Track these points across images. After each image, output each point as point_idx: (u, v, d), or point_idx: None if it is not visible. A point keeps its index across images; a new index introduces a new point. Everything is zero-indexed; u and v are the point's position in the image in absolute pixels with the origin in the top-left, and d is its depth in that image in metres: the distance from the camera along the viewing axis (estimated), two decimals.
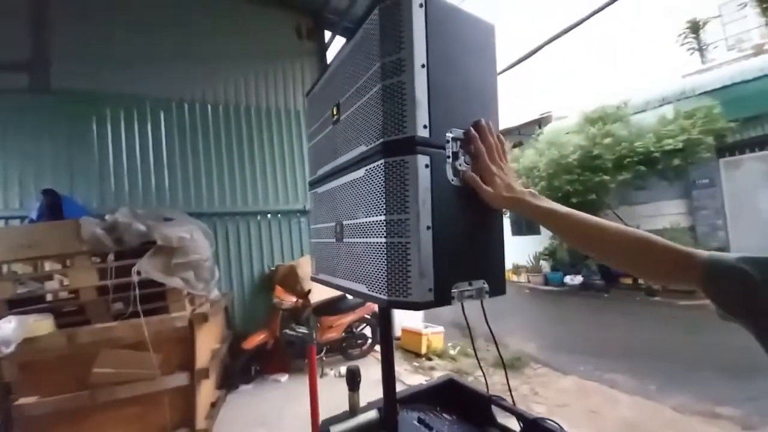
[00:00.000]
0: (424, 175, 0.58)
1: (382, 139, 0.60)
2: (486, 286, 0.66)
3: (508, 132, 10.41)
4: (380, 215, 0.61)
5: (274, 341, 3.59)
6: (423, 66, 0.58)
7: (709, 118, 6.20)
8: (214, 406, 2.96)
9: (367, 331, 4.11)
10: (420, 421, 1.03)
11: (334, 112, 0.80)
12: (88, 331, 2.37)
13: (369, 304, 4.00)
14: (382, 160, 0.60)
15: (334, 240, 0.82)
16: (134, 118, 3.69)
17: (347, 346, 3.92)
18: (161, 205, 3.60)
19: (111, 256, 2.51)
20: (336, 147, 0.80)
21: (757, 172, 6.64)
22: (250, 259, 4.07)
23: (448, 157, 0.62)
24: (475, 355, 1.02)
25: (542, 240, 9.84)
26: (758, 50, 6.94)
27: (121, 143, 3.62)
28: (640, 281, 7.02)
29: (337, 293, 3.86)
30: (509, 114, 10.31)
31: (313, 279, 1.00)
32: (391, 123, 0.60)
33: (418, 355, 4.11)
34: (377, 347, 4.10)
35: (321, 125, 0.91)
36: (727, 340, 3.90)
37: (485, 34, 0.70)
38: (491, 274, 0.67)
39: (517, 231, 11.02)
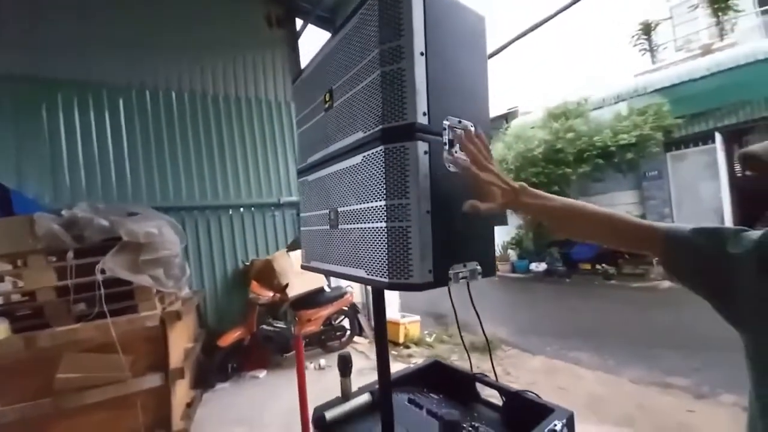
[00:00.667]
0: (423, 162, 0.60)
1: (381, 126, 0.62)
2: (479, 267, 0.70)
3: None
4: (380, 201, 0.63)
5: (251, 337, 3.51)
6: (422, 54, 0.60)
7: (659, 115, 6.73)
8: (190, 406, 2.87)
9: (346, 323, 4.12)
10: (410, 401, 1.08)
11: (327, 99, 0.81)
12: (48, 335, 2.20)
13: (347, 296, 4.02)
14: (382, 147, 0.62)
15: (327, 227, 0.83)
16: (89, 105, 3.41)
17: (326, 339, 3.92)
18: (124, 200, 3.38)
19: (70, 254, 2.34)
20: (328, 134, 0.80)
21: (699, 164, 7.29)
22: (222, 255, 3.93)
23: (445, 144, 0.65)
24: (460, 335, 1.07)
25: (509, 230, 10.26)
26: (706, 50, 7.54)
27: (76, 133, 3.34)
28: (597, 266, 7.56)
29: (314, 287, 3.85)
30: None
31: (304, 267, 1.00)
32: (390, 109, 0.61)
33: (396, 344, 4.19)
34: (356, 338, 4.14)
35: (311, 112, 0.91)
36: (675, 318, 4.37)
37: (477, 24, 0.73)
38: (483, 256, 0.71)
39: None
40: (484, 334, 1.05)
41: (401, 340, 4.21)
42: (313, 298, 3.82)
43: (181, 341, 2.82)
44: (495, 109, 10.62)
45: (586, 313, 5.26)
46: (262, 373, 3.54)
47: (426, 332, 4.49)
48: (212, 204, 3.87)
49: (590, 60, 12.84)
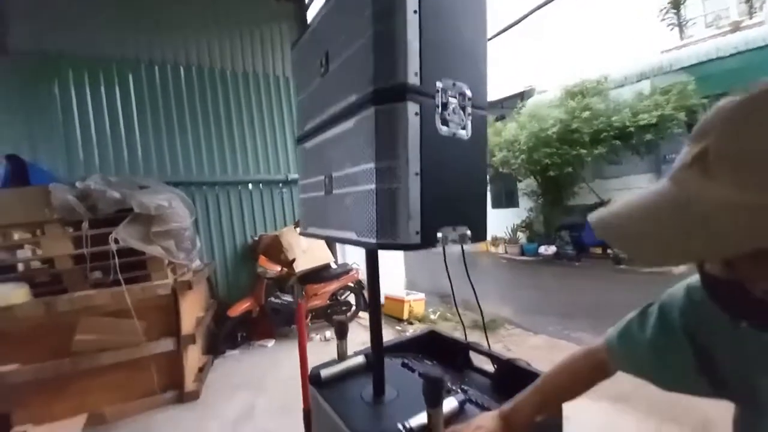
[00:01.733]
0: (413, 123, 0.60)
1: (372, 87, 0.61)
2: (468, 232, 0.70)
3: (491, 105, 10.40)
4: (370, 163, 0.63)
5: (259, 309, 3.64)
6: (415, 12, 0.59)
7: (683, 94, 6.40)
8: (202, 370, 3.02)
9: (351, 299, 4.22)
10: (404, 365, 1.11)
11: (322, 63, 0.80)
12: (67, 300, 2.33)
13: (353, 272, 4.09)
14: (373, 108, 0.62)
15: (323, 193, 0.84)
16: (100, 81, 3.44)
17: (332, 313, 4.03)
18: (135, 174, 3.45)
19: (85, 224, 2.42)
20: (325, 99, 0.80)
21: None
22: (231, 230, 4.01)
23: (437, 106, 0.64)
24: (454, 302, 1.09)
25: (520, 213, 10.15)
26: (735, 27, 7.10)
27: (88, 108, 3.38)
28: (608, 251, 7.46)
29: (321, 263, 3.93)
30: (493, 87, 10.26)
31: (303, 234, 1.02)
32: (381, 70, 0.60)
33: (400, 320, 4.28)
34: (361, 314, 4.23)
35: (308, 78, 0.90)
36: None
37: None
38: (474, 220, 0.71)
39: (497, 204, 11.29)
40: (477, 303, 1.06)
41: (405, 316, 4.29)
42: (320, 274, 3.90)
43: (192, 310, 2.94)
44: (510, 88, 10.28)
45: (592, 295, 5.25)
46: (270, 343, 3.68)
47: (430, 310, 4.56)
48: (221, 180, 3.93)
49: (615, 35, 12.19)
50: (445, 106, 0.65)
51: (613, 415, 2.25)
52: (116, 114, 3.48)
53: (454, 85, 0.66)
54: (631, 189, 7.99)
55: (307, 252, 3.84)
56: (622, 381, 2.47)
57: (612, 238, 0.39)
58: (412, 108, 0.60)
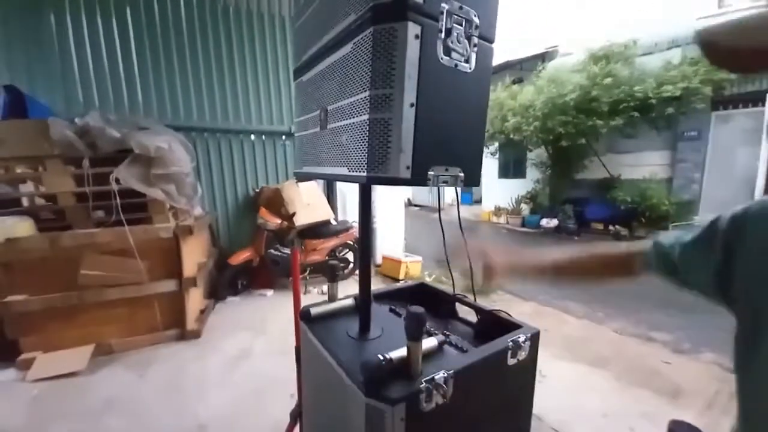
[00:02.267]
0: (413, 47, 0.56)
1: (372, 2, 0.56)
2: (462, 174, 0.68)
3: (508, 66, 9.85)
4: (365, 91, 0.60)
5: (259, 259, 3.73)
6: None
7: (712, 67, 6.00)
8: (204, 312, 3.16)
9: (350, 256, 4.30)
10: (391, 310, 1.15)
11: None
12: (71, 236, 2.38)
13: (352, 230, 4.13)
14: (371, 28, 0.57)
15: (318, 129, 0.81)
16: (96, 12, 3.25)
17: (339, 269, 4.12)
18: (135, 115, 3.38)
19: (86, 162, 2.42)
20: (323, 21, 0.74)
21: (743, 127, 6.68)
22: (233, 180, 4.00)
23: (440, 31, 0.59)
24: (446, 256, 1.10)
25: (526, 184, 10.02)
26: None
27: (85, 43, 3.24)
28: (610, 227, 7.44)
29: (321, 219, 3.96)
30: (512, 46, 9.65)
31: (297, 174, 1.00)
32: None
33: (396, 279, 4.39)
34: (359, 271, 4.34)
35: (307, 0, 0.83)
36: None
37: None
38: (468, 163, 0.69)
39: (504, 173, 11.11)
40: (468, 256, 1.07)
41: (401, 276, 4.40)
42: (320, 229, 3.94)
43: (194, 254, 3.02)
44: (532, 47, 9.66)
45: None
46: (269, 292, 3.81)
47: (426, 272, 4.66)
48: (223, 127, 3.84)
49: None
50: (449, 32, 0.60)
51: (588, 376, 2.36)
52: (114, 50, 3.34)
53: (461, 8, 0.60)
54: (644, 166, 7.78)
55: (308, 207, 3.85)
56: (601, 345, 2.55)
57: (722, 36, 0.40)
58: (413, 29, 0.55)
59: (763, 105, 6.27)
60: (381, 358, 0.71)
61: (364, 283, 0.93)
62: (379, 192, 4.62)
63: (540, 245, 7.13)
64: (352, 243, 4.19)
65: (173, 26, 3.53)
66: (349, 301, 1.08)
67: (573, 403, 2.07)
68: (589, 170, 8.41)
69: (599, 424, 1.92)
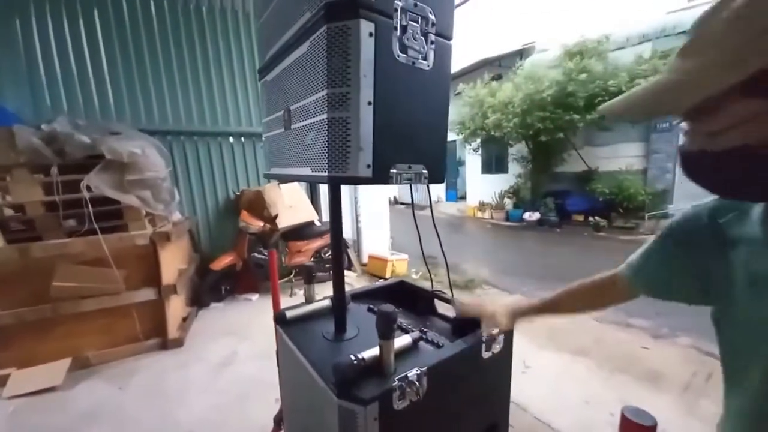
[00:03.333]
0: (367, 45, 0.55)
1: (325, 0, 0.56)
2: (425, 171, 0.69)
3: (487, 62, 9.96)
4: (322, 90, 0.59)
5: (242, 263, 3.67)
6: None
7: None
8: (186, 320, 3.09)
9: None
10: (369, 309, 1.15)
11: None
12: (42, 246, 2.29)
13: None
14: (325, 27, 0.57)
15: (282, 129, 0.80)
16: (62, 14, 3.13)
17: (315, 270, 4.09)
18: (107, 120, 3.27)
19: (54, 169, 2.32)
20: (282, 19, 0.73)
21: None
22: (213, 183, 3.92)
23: (395, 28, 0.59)
24: (421, 249, 1.10)
25: (508, 179, 10.18)
26: None
27: (51, 46, 3.10)
28: (590, 218, 7.63)
29: (304, 220, 3.92)
30: (490, 42, 9.77)
31: (266, 176, 0.99)
32: None
33: (382, 278, 4.40)
34: (345, 272, 4.32)
35: None
36: None
37: None
38: (431, 160, 0.69)
39: (487, 169, 11.26)
40: (443, 254, 1.08)
41: (388, 275, 4.40)
42: (304, 231, 3.91)
43: (173, 261, 2.94)
44: (509, 44, 9.80)
45: (569, 260, 5.45)
46: (254, 296, 3.76)
47: (413, 270, 4.68)
48: (200, 130, 3.75)
49: None
50: (404, 29, 0.60)
51: (571, 365, 2.42)
52: (82, 53, 3.21)
53: (415, 5, 0.60)
54: (620, 158, 8.02)
55: (291, 209, 3.81)
56: (582, 335, 2.61)
57: (616, 108, 0.47)
58: (366, 27, 0.55)
59: None
60: (353, 358, 0.71)
61: (338, 282, 0.93)
62: (363, 191, 4.61)
63: (524, 239, 7.27)
64: None
65: (144, 27, 3.42)
66: (326, 303, 1.08)
67: (556, 392, 2.12)
68: (568, 163, 8.62)
69: (581, 411, 1.97)
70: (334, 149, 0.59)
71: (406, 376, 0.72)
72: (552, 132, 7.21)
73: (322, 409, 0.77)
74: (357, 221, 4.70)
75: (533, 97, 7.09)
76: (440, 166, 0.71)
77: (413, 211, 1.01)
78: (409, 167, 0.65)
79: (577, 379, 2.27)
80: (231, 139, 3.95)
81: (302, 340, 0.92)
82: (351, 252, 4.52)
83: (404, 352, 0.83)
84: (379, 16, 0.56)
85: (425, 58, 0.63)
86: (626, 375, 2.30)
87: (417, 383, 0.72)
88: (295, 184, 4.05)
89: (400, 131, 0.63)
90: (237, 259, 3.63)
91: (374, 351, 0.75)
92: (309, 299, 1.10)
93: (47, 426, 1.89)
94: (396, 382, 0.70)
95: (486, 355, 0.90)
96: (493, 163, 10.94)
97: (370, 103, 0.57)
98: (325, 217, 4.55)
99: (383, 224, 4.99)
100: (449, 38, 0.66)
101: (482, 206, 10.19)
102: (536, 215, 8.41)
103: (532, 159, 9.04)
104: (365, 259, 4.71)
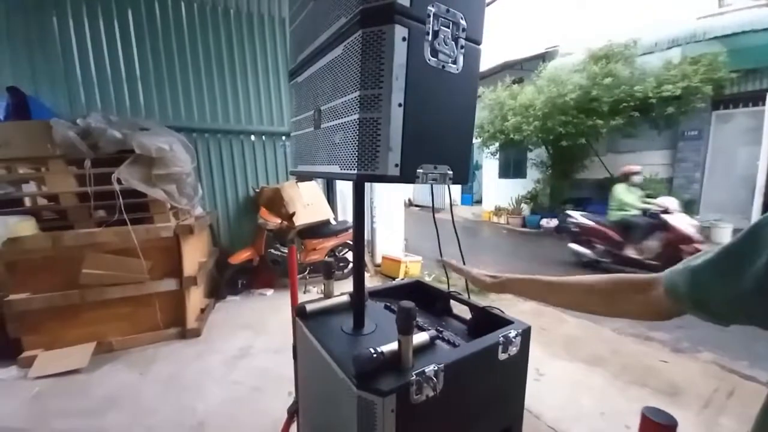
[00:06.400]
0: (400, 49, 0.58)
1: (360, 6, 0.58)
2: (450, 172, 0.70)
3: (508, 66, 9.85)
4: (355, 92, 0.62)
5: (259, 259, 3.75)
6: None
7: (713, 66, 5.99)
8: (204, 311, 3.19)
9: (349, 256, 4.32)
10: (386, 307, 1.16)
11: None
12: (73, 235, 2.41)
13: (351, 230, 4.15)
14: (360, 32, 0.59)
15: (312, 128, 0.83)
16: (98, 14, 3.29)
17: (334, 267, 4.14)
18: (137, 116, 3.42)
19: (88, 162, 2.45)
20: (316, 25, 0.76)
21: (744, 127, 6.67)
22: (234, 180, 4.03)
23: (427, 33, 0.61)
24: (440, 253, 1.12)
25: (526, 184, 10.02)
26: None
27: (87, 44, 3.27)
28: None
29: (320, 218, 3.98)
30: (513, 45, 9.65)
31: (292, 173, 1.02)
32: None
33: (395, 279, 4.41)
34: None
35: (302, 3, 0.85)
36: None
37: None
38: (456, 161, 0.71)
39: (504, 174, 11.12)
40: (461, 253, 1.09)
41: (401, 276, 4.41)
42: (319, 229, 3.97)
43: (194, 254, 3.04)
44: (532, 48, 9.65)
45: (586, 270, 5.32)
46: (269, 292, 3.84)
47: (426, 272, 4.67)
48: (224, 128, 3.87)
49: None
50: (436, 34, 0.62)
51: (586, 375, 2.37)
52: (116, 51, 3.37)
53: (447, 11, 0.62)
54: (644, 166, 7.76)
55: (308, 207, 3.88)
56: (599, 345, 2.56)
57: None
58: (400, 32, 0.57)
59: (764, 104, 6.25)
60: (372, 351, 0.73)
61: (358, 278, 0.95)
62: (378, 192, 4.64)
63: (541, 246, 7.14)
64: (351, 243, 4.21)
65: (174, 28, 3.57)
66: (344, 298, 1.10)
67: (570, 402, 2.08)
68: (590, 170, 8.41)
69: (596, 422, 1.93)
70: (364, 148, 0.62)
71: (424, 372, 0.73)
72: (574, 137, 7.06)
73: (341, 400, 0.79)
74: (372, 222, 4.73)
75: (555, 101, 6.95)
76: (465, 168, 0.72)
77: (433, 213, 1.02)
78: (435, 168, 0.67)
79: (593, 389, 2.22)
80: (252, 137, 4.06)
81: (322, 333, 0.95)
82: (365, 252, 4.55)
83: (421, 349, 0.84)
84: (413, 21, 0.58)
85: (455, 62, 0.64)
86: (644, 388, 2.24)
87: (434, 379, 0.73)
88: (313, 182, 4.12)
89: (428, 132, 0.64)
90: (254, 255, 3.71)
91: (393, 346, 0.77)
92: (328, 294, 1.13)
93: (69, 408, 1.98)
94: (414, 377, 0.72)
95: (502, 356, 0.90)
96: (511, 168, 10.79)
97: (400, 105, 0.59)
98: (341, 216, 4.60)
99: (398, 226, 5.00)
100: (478, 42, 0.68)
101: (498, 211, 10.06)
102: (554, 222, 8.23)
103: (551, 164, 8.87)
104: (379, 260, 4.73)
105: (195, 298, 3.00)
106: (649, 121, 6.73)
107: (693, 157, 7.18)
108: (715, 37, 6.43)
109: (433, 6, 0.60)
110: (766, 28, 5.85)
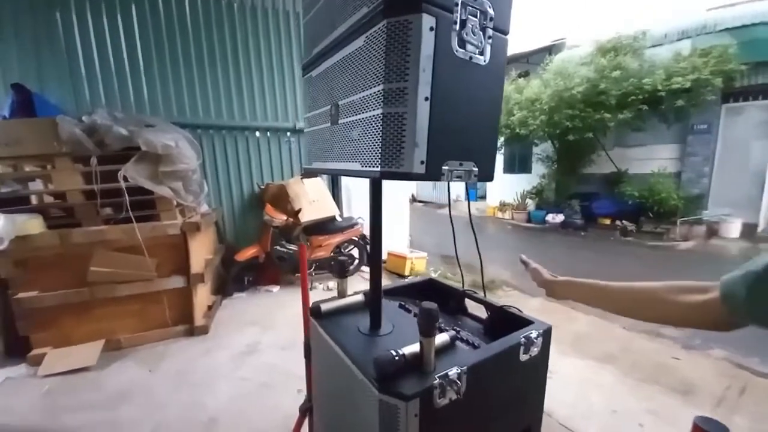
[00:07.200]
0: (427, 39, 0.55)
1: None
2: (475, 169, 0.67)
3: (514, 59, 9.73)
4: (379, 85, 0.59)
5: (265, 256, 3.74)
6: None
7: (723, 58, 5.87)
8: (211, 308, 3.19)
9: (355, 252, 4.30)
10: (401, 306, 1.14)
11: None
12: (81, 233, 2.41)
13: (357, 227, 4.13)
14: (384, 21, 0.56)
15: (328, 124, 0.80)
16: (102, 10, 3.26)
17: (348, 265, 4.13)
18: (141, 112, 3.40)
19: (94, 160, 2.43)
20: (333, 15, 0.73)
21: (755, 121, 6.55)
22: (239, 176, 4.01)
23: (455, 22, 0.58)
24: (455, 251, 1.09)
25: (531, 179, 9.94)
26: None
27: (91, 41, 3.25)
28: (617, 222, 7.36)
29: (326, 215, 3.96)
30: (520, 38, 9.53)
31: (306, 169, 1.00)
32: None
33: (401, 276, 4.40)
34: (363, 267, 4.35)
35: None
36: (684, 276, 4.37)
37: None
38: (482, 158, 0.68)
39: (509, 168, 11.04)
40: (477, 250, 1.06)
41: (407, 272, 4.39)
42: (325, 226, 3.95)
43: (201, 251, 3.04)
44: (538, 40, 9.55)
45: (594, 264, 5.28)
46: (276, 288, 3.83)
47: (431, 269, 4.66)
48: (228, 124, 3.85)
49: None
50: (463, 24, 0.58)
51: (597, 372, 2.35)
52: (120, 47, 3.34)
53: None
54: (652, 160, 7.67)
55: (314, 203, 3.86)
56: (609, 342, 2.53)
57: None
58: (428, 21, 0.54)
59: None
60: (394, 353, 0.71)
61: (375, 278, 0.93)
62: (383, 188, 4.60)
63: (546, 242, 7.09)
64: (357, 239, 4.19)
65: (178, 23, 3.53)
66: (359, 297, 1.08)
67: (581, 400, 2.06)
68: (597, 165, 8.32)
69: (608, 420, 1.91)
70: (387, 145, 0.59)
71: (447, 375, 0.71)
72: (581, 131, 6.97)
73: (360, 402, 0.77)
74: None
75: (562, 95, 6.86)
76: (491, 164, 0.70)
77: (449, 210, 0.99)
78: (461, 164, 0.64)
79: (604, 387, 2.20)
80: (257, 133, 4.03)
81: (338, 333, 0.93)
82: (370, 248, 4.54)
83: (442, 350, 0.82)
84: (440, 10, 0.55)
85: (482, 53, 0.61)
86: (655, 385, 2.22)
87: (458, 382, 0.71)
88: (318, 178, 4.09)
89: (454, 127, 0.62)
90: (260, 252, 3.71)
91: (414, 348, 0.75)
92: (342, 293, 1.11)
93: (81, 403, 1.99)
94: (437, 380, 0.70)
95: (523, 357, 0.88)
96: (516, 163, 10.71)
97: (427, 99, 0.56)
98: (346, 212, 4.58)
99: (403, 221, 4.98)
100: (506, 32, 0.65)
101: (503, 206, 10.01)
102: (560, 217, 8.18)
103: (557, 159, 8.78)
104: (384, 256, 4.72)
105: (202, 296, 3.00)
106: (658, 115, 6.63)
107: (702, 151, 7.07)
108: (726, 29, 6.31)
109: None
110: None
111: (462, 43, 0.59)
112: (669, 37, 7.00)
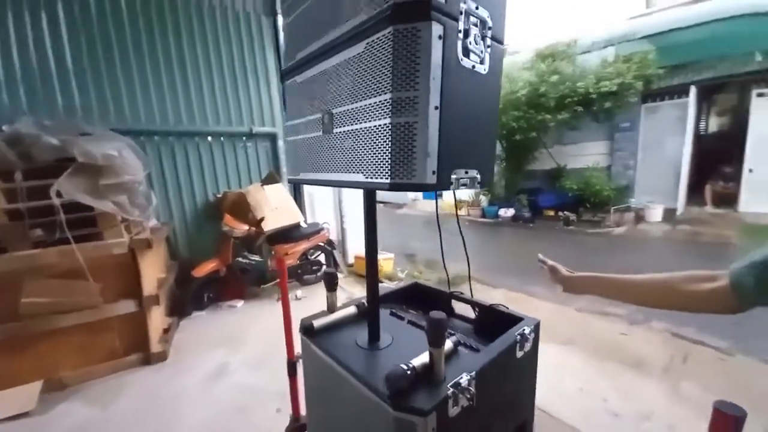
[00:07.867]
0: (437, 48, 0.54)
1: (392, 0, 0.53)
2: (478, 176, 0.68)
3: None
4: (385, 94, 0.57)
5: (226, 269, 3.51)
6: None
7: (643, 63, 6.64)
8: (167, 332, 2.91)
9: (322, 258, 4.20)
10: (392, 314, 1.13)
11: None
12: (7, 259, 2.08)
13: (323, 232, 4.04)
14: (391, 28, 0.54)
15: (320, 133, 0.77)
16: (23, 3, 2.83)
17: (303, 273, 4.01)
18: (72, 119, 3.01)
19: (18, 175, 2.11)
20: (324, 19, 0.70)
21: (670, 118, 7.49)
22: (190, 186, 3.72)
23: (459, 31, 0.58)
24: (443, 257, 1.10)
25: None
26: None
27: (9, 37, 2.80)
28: (560, 213, 8.00)
29: (290, 222, 3.81)
30: None
31: (291, 181, 0.95)
32: None
33: None
34: None
35: None
36: (619, 259, 4.88)
37: None
38: (484, 164, 0.69)
39: None
40: (466, 253, 1.08)
41: None
42: (290, 233, 3.80)
43: (153, 270, 2.77)
44: None
45: (544, 253, 5.67)
46: (239, 303, 3.61)
47: (399, 269, 4.69)
48: (176, 129, 3.55)
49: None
50: (467, 33, 0.59)
51: (562, 355, 2.53)
52: (44, 46, 2.93)
53: (477, 8, 0.59)
54: (587, 156, 8.46)
55: (276, 210, 3.69)
56: (567, 325, 2.71)
57: None
58: (437, 30, 0.53)
59: (687, 96, 7.06)
60: (405, 367, 0.70)
61: (372, 290, 0.90)
62: (345, 192, 4.56)
63: (501, 235, 7.49)
64: (323, 245, 4.09)
65: (112, 18, 3.18)
66: (351, 309, 1.05)
67: (552, 382, 2.20)
68: (540, 161, 8.98)
69: (577, 398, 2.06)
70: (397, 155, 0.57)
71: (459, 383, 0.71)
72: (526, 131, 7.48)
73: (369, 422, 0.75)
74: (342, 222, 4.64)
75: (509, 97, 7.31)
76: (491, 170, 0.71)
77: (437, 215, 1.00)
78: (466, 172, 0.65)
79: (569, 367, 2.37)
80: (209, 138, 3.77)
81: (335, 350, 0.89)
82: (336, 253, 4.46)
83: (447, 358, 0.82)
84: (447, 19, 0.55)
85: (482, 62, 0.62)
86: (611, 361, 2.43)
87: (470, 388, 0.72)
88: (280, 185, 3.93)
89: (459, 136, 0.62)
90: (221, 265, 3.47)
91: (423, 359, 0.74)
92: (331, 307, 1.06)
93: None
94: (450, 390, 0.70)
95: (519, 354, 0.91)
96: None
97: (437, 108, 0.56)
98: (311, 218, 4.46)
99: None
100: (502, 42, 0.66)
101: (459, 203, 10.40)
102: (511, 211, 8.68)
103: (506, 157, 9.33)
104: (351, 260, 4.67)
105: (157, 319, 2.73)
106: (591, 115, 7.32)
107: (628, 147, 7.94)
108: (645, 36, 7.12)
109: (464, 3, 0.57)
110: (689, 26, 6.56)
111: (466, 52, 0.59)
112: (596, 45, 7.76)
